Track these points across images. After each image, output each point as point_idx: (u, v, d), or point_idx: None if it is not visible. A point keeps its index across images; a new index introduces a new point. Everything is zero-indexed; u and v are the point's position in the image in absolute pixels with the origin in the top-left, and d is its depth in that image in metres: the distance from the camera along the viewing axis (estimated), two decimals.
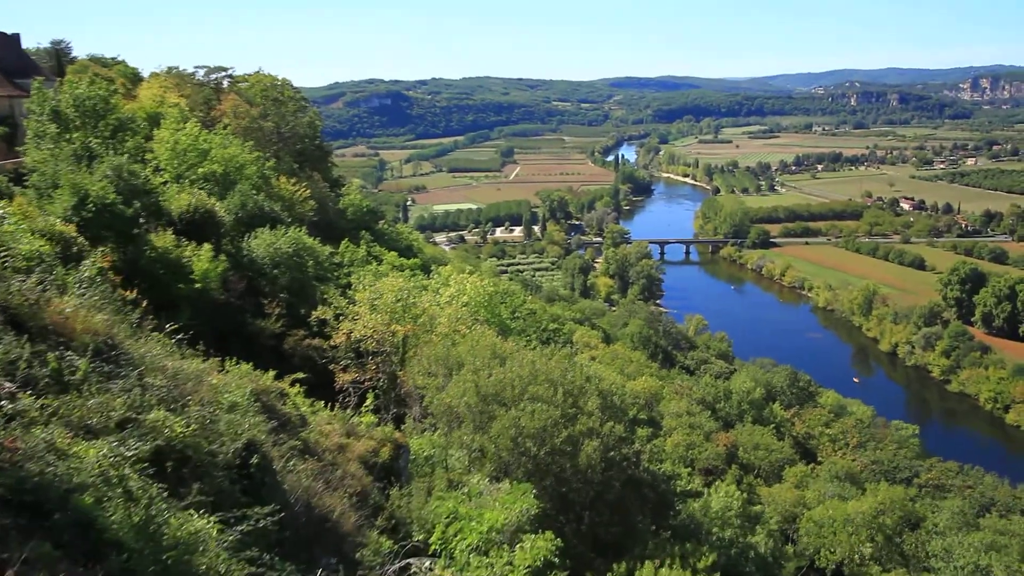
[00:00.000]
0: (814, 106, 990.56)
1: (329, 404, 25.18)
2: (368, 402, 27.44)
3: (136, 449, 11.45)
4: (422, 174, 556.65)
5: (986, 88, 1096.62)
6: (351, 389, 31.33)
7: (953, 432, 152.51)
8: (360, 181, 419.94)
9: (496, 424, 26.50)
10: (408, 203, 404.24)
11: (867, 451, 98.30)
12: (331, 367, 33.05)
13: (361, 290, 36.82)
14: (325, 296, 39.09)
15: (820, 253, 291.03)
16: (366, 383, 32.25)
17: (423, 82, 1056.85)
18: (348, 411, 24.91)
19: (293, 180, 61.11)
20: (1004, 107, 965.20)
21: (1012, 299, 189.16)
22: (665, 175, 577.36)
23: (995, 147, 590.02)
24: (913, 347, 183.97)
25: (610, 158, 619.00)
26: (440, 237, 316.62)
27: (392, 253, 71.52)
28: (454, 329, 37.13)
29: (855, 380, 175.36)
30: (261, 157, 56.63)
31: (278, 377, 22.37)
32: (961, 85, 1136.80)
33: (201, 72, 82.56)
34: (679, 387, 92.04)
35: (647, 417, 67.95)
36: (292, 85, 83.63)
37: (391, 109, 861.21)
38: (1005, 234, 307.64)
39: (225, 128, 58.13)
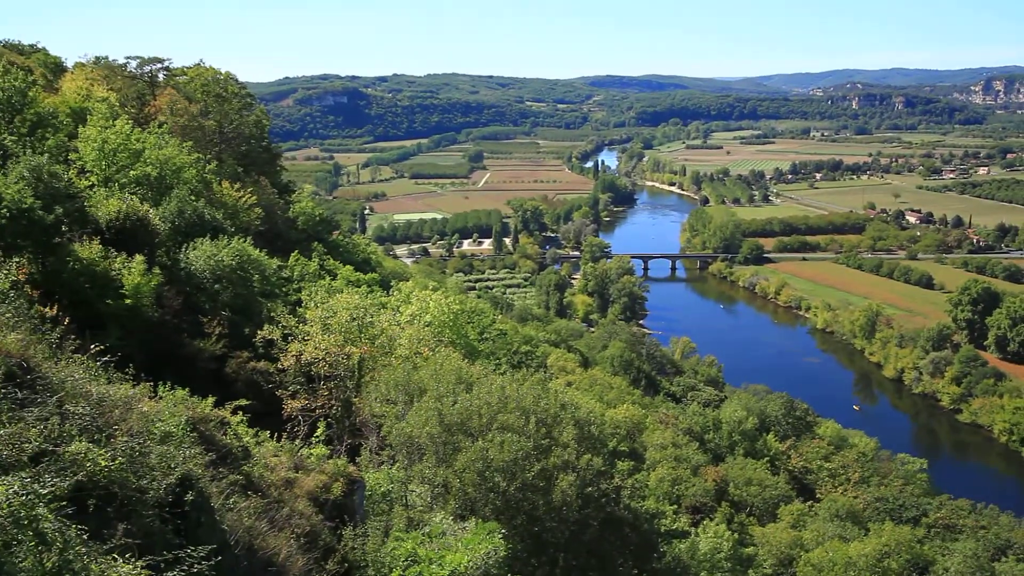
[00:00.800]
0: (812, 109, 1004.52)
1: (275, 434, 24.92)
2: (319, 432, 27.20)
3: (52, 486, 11.20)
4: (381, 180, 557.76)
5: (1000, 91, 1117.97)
6: (300, 417, 31.06)
7: (965, 467, 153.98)
8: (312, 187, 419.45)
9: (461, 457, 26.38)
10: (366, 212, 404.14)
11: (870, 487, 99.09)
12: (278, 393, 32.72)
13: (312, 308, 36.59)
14: (272, 314, 38.78)
15: (819, 270, 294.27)
16: (317, 411, 31.95)
17: (383, 79, 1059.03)
18: (297, 442, 24.69)
19: (237, 185, 60.66)
20: (1019, 112, 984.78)
21: None
22: (649, 183, 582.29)
23: (1009, 155, 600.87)
24: (920, 373, 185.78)
25: (589, 164, 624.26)
26: (401, 250, 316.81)
27: (347, 267, 71.27)
28: (415, 351, 37.05)
29: (855, 408, 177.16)
30: (201, 159, 56.18)
31: (219, 404, 22.11)
32: (972, 87, 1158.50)
33: (134, 63, 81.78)
34: (664, 416, 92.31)
35: (628, 449, 68.04)
36: (237, 80, 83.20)
37: (347, 108, 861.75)
38: (1020, 250, 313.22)
39: (161, 127, 57.67)
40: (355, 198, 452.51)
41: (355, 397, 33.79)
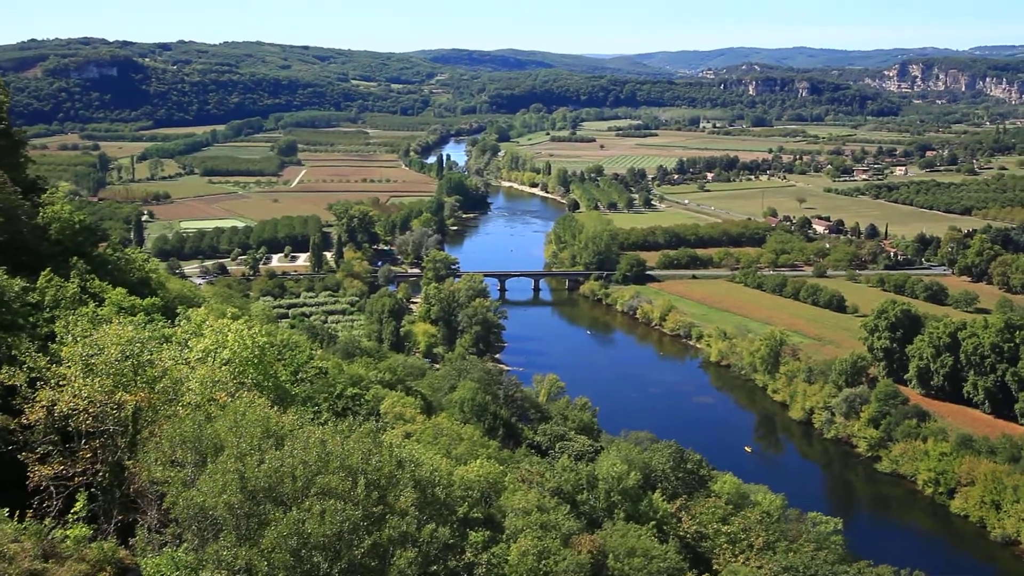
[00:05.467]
0: (702, 95, 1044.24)
1: (18, 512, 23.90)
2: (79, 506, 26.25)
3: None
4: (164, 177, 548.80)
5: (917, 77, 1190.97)
6: (53, 488, 29.91)
7: (885, 526, 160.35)
8: (71, 185, 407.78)
9: (270, 531, 25.94)
10: (144, 218, 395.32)
11: (776, 554, 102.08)
12: (22, 456, 31.42)
13: (71, 343, 35.39)
14: (14, 352, 37.28)
15: (712, 290, 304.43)
16: (76, 479, 30.86)
17: (166, 46, 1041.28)
18: (47, 521, 23.76)
19: None
20: (939, 101, 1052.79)
21: (954, 350, 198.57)
22: (506, 184, 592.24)
23: (929, 153, 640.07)
24: (832, 414, 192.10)
25: (431, 160, 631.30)
26: (191, 267, 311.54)
27: (119, 289, 69.18)
28: (209, 398, 36.26)
29: (747, 450, 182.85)
30: None
31: None
32: (886, 72, 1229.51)
33: None
34: (527, 473, 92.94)
35: (483, 516, 68.16)
36: None
37: (118, 83, 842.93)
38: (942, 265, 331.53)
39: None
40: (129, 200, 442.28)
41: (128, 459, 32.74)
